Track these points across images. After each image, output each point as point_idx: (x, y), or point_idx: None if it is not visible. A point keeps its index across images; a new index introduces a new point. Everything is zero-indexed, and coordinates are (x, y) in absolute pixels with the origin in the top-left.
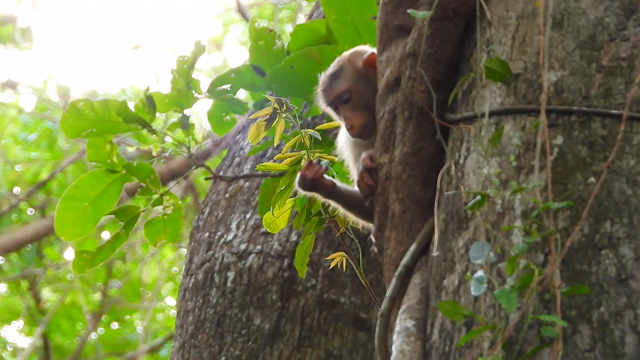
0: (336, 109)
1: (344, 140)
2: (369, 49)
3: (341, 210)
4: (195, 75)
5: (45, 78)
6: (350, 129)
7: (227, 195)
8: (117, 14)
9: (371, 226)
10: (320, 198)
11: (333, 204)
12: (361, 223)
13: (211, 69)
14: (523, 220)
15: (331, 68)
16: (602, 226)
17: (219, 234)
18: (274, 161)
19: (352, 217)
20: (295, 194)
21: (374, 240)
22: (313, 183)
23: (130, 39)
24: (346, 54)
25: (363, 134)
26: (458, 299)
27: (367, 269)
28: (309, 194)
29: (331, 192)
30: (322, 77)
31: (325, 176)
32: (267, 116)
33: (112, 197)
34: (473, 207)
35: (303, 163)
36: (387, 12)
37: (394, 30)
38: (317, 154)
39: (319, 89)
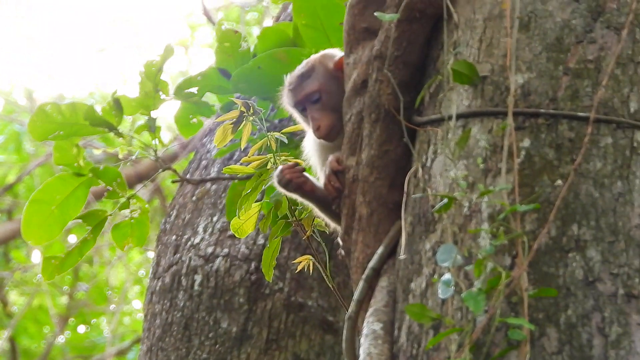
0: (303, 110)
1: (310, 144)
2: (339, 53)
3: (317, 212)
4: (162, 77)
5: (11, 81)
6: (317, 129)
7: (194, 198)
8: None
9: (340, 229)
10: (298, 198)
11: (310, 205)
12: (333, 225)
13: (178, 72)
14: (490, 223)
15: (301, 68)
16: (569, 229)
17: (186, 237)
18: (241, 164)
19: (326, 219)
20: (262, 197)
21: (341, 243)
22: (291, 183)
23: (96, 42)
24: (317, 55)
25: (329, 135)
26: (425, 302)
27: (334, 272)
28: (288, 193)
29: (310, 193)
30: (290, 77)
31: (306, 175)
32: (234, 119)
33: (79, 201)
34: (440, 210)
35: (270, 166)
36: (354, 14)
37: (361, 32)
38: (284, 157)
39: (285, 89)
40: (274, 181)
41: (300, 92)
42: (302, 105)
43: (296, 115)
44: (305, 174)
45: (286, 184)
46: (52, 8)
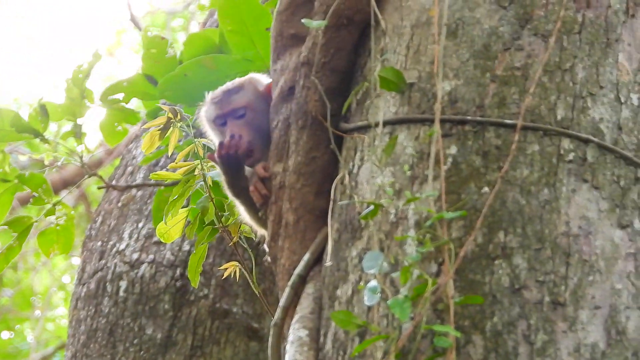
0: (222, 124)
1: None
2: (267, 79)
3: (243, 217)
4: (89, 84)
5: None
6: (229, 144)
7: (119, 204)
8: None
9: (266, 235)
10: (225, 187)
11: (239, 205)
12: (259, 232)
13: (103, 78)
14: (417, 230)
15: (229, 85)
16: (495, 236)
17: (111, 243)
18: (168, 170)
19: (252, 225)
20: (188, 203)
21: (267, 249)
22: (236, 157)
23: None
24: (246, 76)
25: (237, 148)
26: (351, 309)
27: (260, 279)
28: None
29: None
30: (215, 92)
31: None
32: (161, 125)
33: (4, 207)
34: (366, 217)
35: (197, 172)
36: (281, 20)
37: (289, 39)
38: (211, 164)
39: (207, 102)
40: (216, 155)
41: (226, 106)
42: (223, 119)
43: (211, 130)
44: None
45: (223, 159)
46: None
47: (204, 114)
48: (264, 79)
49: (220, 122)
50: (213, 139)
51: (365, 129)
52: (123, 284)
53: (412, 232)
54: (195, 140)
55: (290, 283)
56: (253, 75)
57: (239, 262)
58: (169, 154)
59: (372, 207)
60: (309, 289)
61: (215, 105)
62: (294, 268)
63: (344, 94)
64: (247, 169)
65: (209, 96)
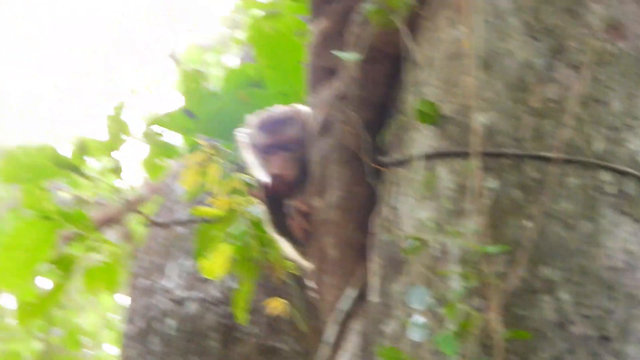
0: (268, 153)
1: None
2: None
3: (287, 252)
4: (128, 120)
5: None
6: (279, 174)
7: (164, 241)
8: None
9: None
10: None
11: (279, 239)
12: (303, 266)
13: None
14: (460, 265)
15: (278, 113)
16: (539, 270)
17: (157, 280)
18: (209, 206)
19: (296, 260)
20: (231, 239)
21: (310, 285)
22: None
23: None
24: (294, 107)
25: (284, 186)
26: (397, 345)
27: (306, 315)
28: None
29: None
30: (262, 119)
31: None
32: (201, 161)
33: (47, 244)
34: (409, 252)
35: (238, 208)
36: (315, 54)
37: (324, 72)
38: (252, 199)
39: (253, 128)
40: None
41: (277, 136)
42: (272, 148)
43: (253, 156)
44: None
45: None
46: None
47: (248, 139)
48: (308, 111)
49: (267, 150)
50: (251, 162)
51: (404, 162)
52: (171, 322)
53: (455, 267)
54: (235, 175)
55: (334, 319)
56: (298, 106)
57: (285, 299)
58: (210, 189)
59: (414, 241)
60: (354, 324)
61: (264, 133)
62: (338, 303)
63: (381, 127)
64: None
65: (255, 121)
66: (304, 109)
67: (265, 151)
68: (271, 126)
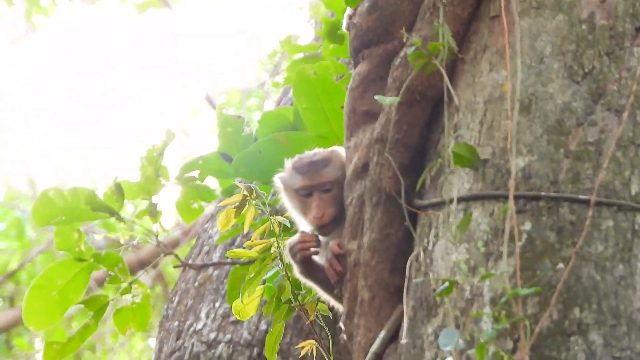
0: (307, 195)
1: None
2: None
3: (320, 292)
4: (163, 162)
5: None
6: (319, 217)
7: (196, 283)
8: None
9: (342, 311)
10: (297, 273)
11: (313, 286)
12: (336, 307)
13: (180, 157)
14: (492, 307)
15: (315, 155)
16: (571, 312)
17: (188, 322)
18: (244, 248)
19: (329, 300)
20: (264, 281)
21: (343, 327)
22: (298, 254)
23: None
24: (332, 148)
25: (328, 227)
26: None
27: (337, 357)
28: (295, 265)
29: (310, 269)
30: (301, 161)
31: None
32: (236, 203)
33: (80, 286)
34: (442, 294)
35: (273, 250)
36: (354, 97)
37: (362, 115)
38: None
39: (292, 170)
40: (286, 247)
41: (315, 178)
42: (309, 190)
43: (291, 197)
44: (314, 249)
45: (295, 253)
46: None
47: (285, 181)
48: (344, 153)
49: (304, 192)
50: (288, 204)
51: (439, 205)
52: None
53: (487, 309)
54: (271, 218)
55: None
56: (335, 148)
57: (316, 341)
58: (245, 232)
59: (447, 284)
60: None
61: (302, 175)
62: (370, 345)
63: (418, 170)
64: (322, 239)
65: (292, 164)
66: (341, 150)
67: (304, 194)
68: (308, 168)
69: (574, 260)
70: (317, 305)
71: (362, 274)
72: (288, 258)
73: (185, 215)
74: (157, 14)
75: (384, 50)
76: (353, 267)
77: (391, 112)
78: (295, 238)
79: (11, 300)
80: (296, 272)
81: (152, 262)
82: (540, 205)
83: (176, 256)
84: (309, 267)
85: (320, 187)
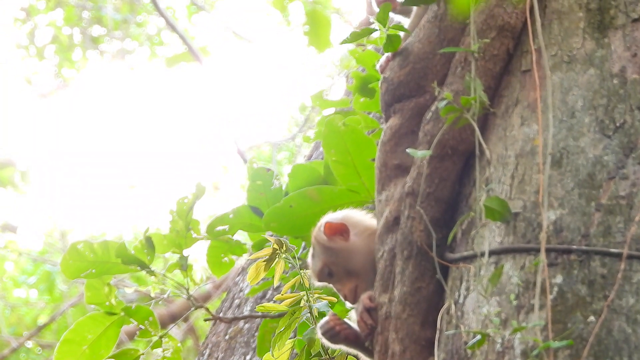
0: (328, 282)
1: None
2: (323, 219)
3: (347, 348)
4: (194, 216)
5: (45, 221)
6: (345, 298)
7: (227, 337)
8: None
9: None
10: (341, 347)
11: (348, 349)
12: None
13: (210, 211)
14: (523, 359)
15: (310, 249)
16: None
17: None
18: (274, 302)
19: (359, 355)
20: (294, 334)
21: None
22: (339, 335)
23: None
24: (313, 232)
25: (357, 297)
26: None
27: None
28: (332, 345)
29: (355, 341)
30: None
31: (350, 323)
32: (267, 257)
33: (111, 340)
34: (473, 347)
35: (302, 304)
36: (385, 151)
37: (393, 169)
38: (317, 295)
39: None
40: (319, 332)
41: (315, 274)
42: (324, 281)
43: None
44: (347, 321)
45: (333, 335)
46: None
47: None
48: (322, 220)
49: (323, 282)
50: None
51: (470, 258)
52: None
53: None
54: (301, 271)
55: None
56: (317, 225)
57: None
58: (275, 285)
59: (478, 336)
60: None
61: (311, 274)
62: None
63: (449, 223)
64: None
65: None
66: (314, 231)
67: (326, 282)
68: (310, 266)
69: (606, 313)
70: (346, 358)
71: (393, 327)
72: (323, 340)
73: (216, 269)
74: (187, 67)
75: (415, 104)
76: (384, 320)
77: (423, 165)
78: (324, 321)
79: (51, 349)
80: (326, 343)
81: (183, 316)
82: (572, 258)
83: (207, 309)
84: (351, 341)
85: (323, 277)
